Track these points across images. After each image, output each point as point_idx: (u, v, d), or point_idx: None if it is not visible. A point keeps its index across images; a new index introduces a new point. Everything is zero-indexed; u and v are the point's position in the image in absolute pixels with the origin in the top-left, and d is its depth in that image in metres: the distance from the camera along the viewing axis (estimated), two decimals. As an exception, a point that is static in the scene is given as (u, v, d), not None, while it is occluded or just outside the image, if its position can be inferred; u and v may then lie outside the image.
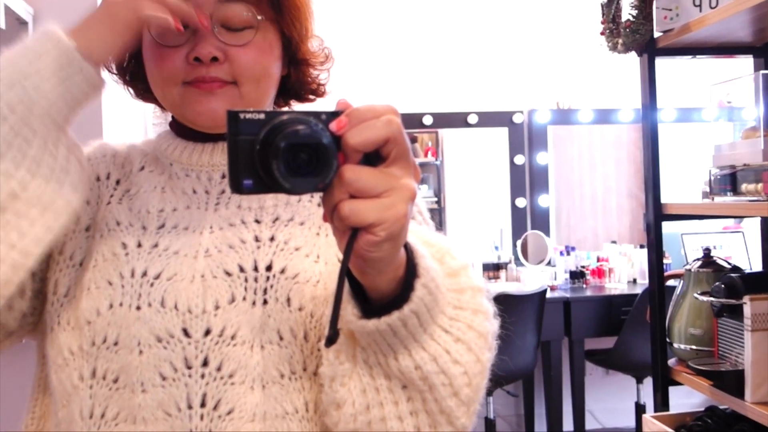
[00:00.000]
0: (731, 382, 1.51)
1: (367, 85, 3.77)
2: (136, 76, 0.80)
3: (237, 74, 0.71)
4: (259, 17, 0.72)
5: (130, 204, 0.75)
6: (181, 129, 0.78)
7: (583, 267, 3.72)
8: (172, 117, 0.80)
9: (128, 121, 0.76)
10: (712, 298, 1.57)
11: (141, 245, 0.72)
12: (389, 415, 0.60)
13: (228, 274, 0.69)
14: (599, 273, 3.70)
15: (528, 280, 3.59)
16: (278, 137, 0.50)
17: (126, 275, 0.69)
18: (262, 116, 0.52)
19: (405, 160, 0.54)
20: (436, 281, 0.59)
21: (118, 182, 0.77)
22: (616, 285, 3.65)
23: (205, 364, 0.67)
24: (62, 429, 0.71)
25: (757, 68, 1.83)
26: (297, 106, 0.85)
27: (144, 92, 0.81)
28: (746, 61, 1.90)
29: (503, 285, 3.63)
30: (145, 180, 0.76)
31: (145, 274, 0.69)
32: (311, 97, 0.83)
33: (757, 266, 2.99)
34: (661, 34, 1.74)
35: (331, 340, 0.55)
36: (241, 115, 0.52)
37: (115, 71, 0.80)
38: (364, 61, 3.81)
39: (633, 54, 1.80)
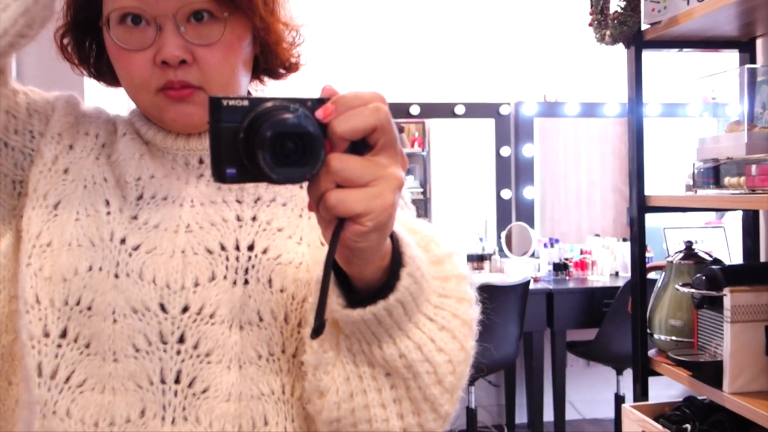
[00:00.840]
0: (710, 372, 1.53)
1: (354, 74, 3.76)
2: (103, 72, 0.78)
3: (205, 79, 0.69)
4: (225, 14, 0.69)
5: (111, 169, 0.73)
6: None
7: (566, 259, 3.75)
8: None
9: (112, 98, 0.75)
10: (693, 290, 1.58)
11: (122, 211, 0.70)
12: (372, 402, 0.60)
13: (209, 251, 0.68)
14: (582, 265, 3.73)
15: (512, 271, 3.61)
16: (264, 126, 0.49)
17: (105, 238, 0.68)
18: (245, 103, 0.50)
19: (392, 148, 0.53)
20: (422, 270, 0.59)
21: (103, 145, 0.75)
22: (599, 277, 3.68)
23: (181, 340, 0.66)
24: (14, 382, 0.70)
25: (742, 63, 1.84)
26: (267, 86, 0.83)
27: (115, 82, 0.79)
28: (731, 57, 1.91)
29: (487, 276, 3.64)
30: (124, 147, 0.74)
31: (123, 241, 0.68)
32: (282, 71, 0.81)
33: (738, 260, 3.03)
34: (648, 26, 1.75)
35: (317, 331, 0.54)
36: (224, 102, 0.50)
37: (82, 67, 0.78)
38: (352, 50, 3.79)
39: (620, 48, 1.80)
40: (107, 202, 0.70)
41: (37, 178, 0.71)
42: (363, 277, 0.57)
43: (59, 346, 0.66)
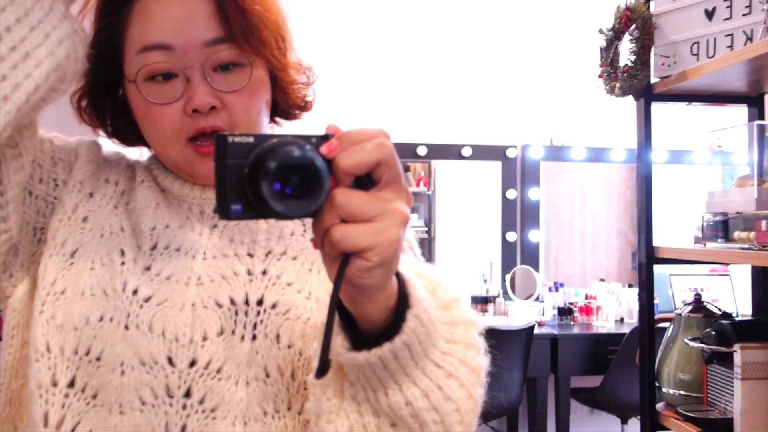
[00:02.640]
0: (720, 430, 1.50)
1: (363, 114, 3.80)
2: (120, 131, 0.79)
3: (234, 123, 0.71)
4: (251, 59, 0.71)
5: (129, 218, 0.74)
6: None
7: (571, 304, 3.73)
8: None
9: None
10: (702, 345, 1.57)
11: (136, 262, 0.70)
12: None
13: (219, 305, 0.68)
14: (587, 310, 3.70)
15: (516, 314, 3.59)
16: (269, 158, 0.49)
17: (119, 288, 0.68)
18: (251, 139, 0.50)
19: (397, 183, 0.53)
20: (429, 313, 0.58)
21: (123, 193, 0.76)
22: (604, 323, 3.65)
23: (187, 395, 0.65)
24: (20, 428, 0.69)
25: (750, 118, 1.85)
26: (283, 127, 0.85)
27: (132, 141, 0.80)
28: (737, 107, 1.93)
29: (491, 319, 3.62)
30: (142, 195, 0.75)
31: (135, 292, 0.68)
32: (297, 113, 0.83)
33: (744, 310, 3.00)
34: (658, 80, 1.77)
35: (322, 370, 0.53)
36: (230, 139, 0.50)
37: (100, 128, 0.80)
38: (361, 91, 3.84)
39: (629, 97, 1.82)
40: (122, 252, 0.70)
41: (57, 226, 0.71)
42: (368, 317, 0.56)
43: (66, 396, 0.66)
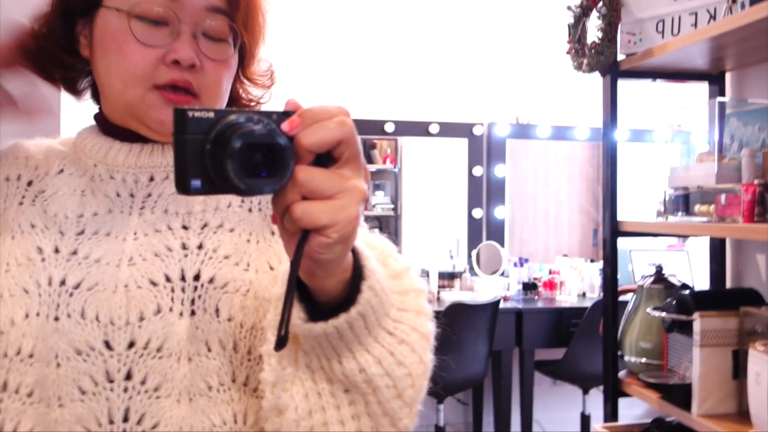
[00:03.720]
0: (679, 395, 1.57)
1: (329, 91, 3.78)
2: (63, 63, 0.75)
3: (204, 88, 0.71)
4: (238, 40, 0.72)
5: (45, 207, 0.71)
6: (110, 127, 0.75)
7: (535, 279, 3.80)
8: (99, 111, 0.77)
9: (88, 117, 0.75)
10: (663, 314, 1.63)
11: (58, 251, 0.68)
12: (331, 419, 0.60)
13: (153, 283, 0.67)
14: (551, 285, 3.79)
15: (482, 289, 3.65)
16: (233, 137, 0.48)
17: (43, 283, 0.66)
18: (211, 114, 0.50)
19: (356, 161, 0.53)
20: (381, 283, 0.59)
21: (29, 183, 0.73)
22: (567, 298, 3.74)
23: (128, 377, 0.64)
24: None
25: (711, 95, 1.91)
26: None
27: (65, 80, 0.76)
28: (697, 87, 1.99)
29: (457, 294, 3.67)
30: (63, 183, 0.73)
31: (63, 282, 0.66)
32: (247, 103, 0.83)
33: (700, 285, 3.11)
34: (624, 57, 1.80)
35: (281, 343, 0.53)
36: (189, 113, 0.49)
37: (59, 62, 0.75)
38: (328, 66, 3.81)
39: (592, 74, 1.86)
40: (39, 249, 0.68)
41: None
42: (325, 290, 0.57)
43: (1, 401, 0.64)
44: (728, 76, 1.89)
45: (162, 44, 0.69)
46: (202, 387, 0.65)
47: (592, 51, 1.78)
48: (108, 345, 0.65)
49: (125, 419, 0.64)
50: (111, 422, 0.64)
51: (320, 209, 0.51)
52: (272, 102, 0.82)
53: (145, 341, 0.65)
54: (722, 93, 1.88)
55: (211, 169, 0.49)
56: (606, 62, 1.77)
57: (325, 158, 0.52)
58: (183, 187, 0.50)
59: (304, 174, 0.51)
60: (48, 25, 0.75)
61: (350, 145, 0.53)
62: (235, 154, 0.48)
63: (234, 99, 0.81)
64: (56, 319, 0.65)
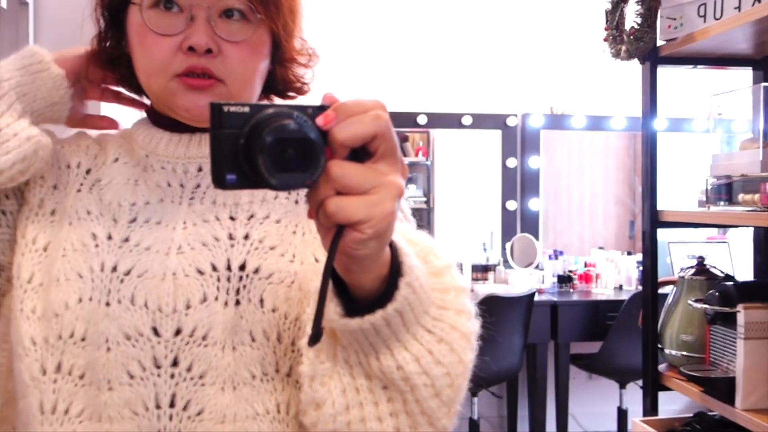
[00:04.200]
0: (722, 388, 1.53)
1: (362, 83, 3.77)
2: (117, 61, 0.78)
3: (227, 72, 0.70)
4: (258, 15, 0.71)
5: (101, 195, 0.74)
6: (158, 118, 0.77)
7: (570, 271, 3.75)
8: (150, 105, 0.79)
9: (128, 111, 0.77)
10: (706, 306, 1.59)
11: (111, 238, 0.71)
12: (369, 416, 0.60)
13: (200, 272, 0.68)
14: (586, 278, 3.73)
15: (516, 282, 3.62)
16: (265, 131, 0.49)
17: (96, 269, 0.68)
18: (246, 109, 0.50)
19: (392, 156, 0.53)
20: (421, 280, 0.59)
21: (88, 171, 0.75)
22: (603, 290, 3.69)
23: (174, 364, 0.66)
24: (21, 420, 0.70)
25: (756, 81, 1.85)
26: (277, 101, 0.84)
27: (127, 78, 0.79)
28: (738, 73, 1.93)
29: (491, 287, 3.65)
30: (117, 172, 0.75)
31: (114, 269, 0.68)
32: (291, 95, 0.82)
33: (742, 276, 3.03)
34: (664, 42, 1.76)
35: (315, 339, 0.54)
36: (225, 108, 0.50)
37: (97, 54, 0.78)
38: (361, 59, 3.81)
39: (628, 62, 1.81)
40: (94, 236, 0.71)
41: (25, 224, 0.72)
42: (361, 286, 0.57)
43: (55, 381, 0.67)
44: (773, 61, 1.83)
45: (177, 32, 0.69)
46: (246, 376, 0.66)
47: (631, 37, 1.74)
48: (156, 331, 0.66)
49: (171, 404, 0.65)
50: (158, 407, 0.65)
51: (354, 204, 0.51)
52: (303, 97, 0.82)
53: (191, 329, 0.66)
54: (767, 78, 1.83)
55: (244, 164, 0.50)
56: (645, 48, 1.73)
57: (361, 153, 0.52)
58: (219, 180, 0.50)
59: (338, 169, 0.51)
60: (102, 37, 0.78)
61: (385, 139, 0.52)
62: (267, 149, 0.49)
63: (280, 82, 0.80)
64: (107, 304, 0.67)
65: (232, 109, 0.50)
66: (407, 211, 0.78)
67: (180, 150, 0.75)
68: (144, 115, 0.80)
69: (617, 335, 3.19)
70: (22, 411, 0.69)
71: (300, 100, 0.84)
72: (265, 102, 0.55)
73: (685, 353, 1.72)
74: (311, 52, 0.80)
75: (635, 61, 1.81)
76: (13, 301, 0.70)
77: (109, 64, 0.78)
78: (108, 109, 0.93)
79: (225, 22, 0.70)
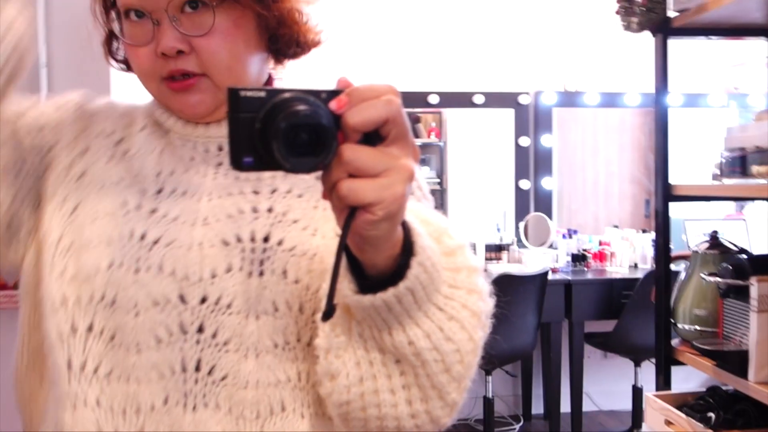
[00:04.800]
0: (735, 361, 1.52)
1: (374, 62, 3.76)
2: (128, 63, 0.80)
3: (205, 66, 0.71)
4: (213, 2, 0.70)
5: (130, 164, 0.75)
6: None
7: (584, 250, 3.73)
8: None
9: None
10: (718, 279, 1.57)
11: (140, 207, 0.72)
12: (382, 387, 0.61)
13: (225, 243, 0.70)
14: (601, 257, 3.72)
15: (530, 261, 3.61)
16: (279, 117, 0.51)
17: (125, 236, 0.70)
18: (262, 94, 0.52)
19: (404, 140, 0.54)
20: (432, 260, 0.60)
21: (119, 141, 0.77)
22: (617, 269, 3.67)
23: (200, 330, 0.68)
24: (48, 378, 0.72)
25: (770, 51, 1.82)
26: (285, 68, 0.83)
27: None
28: (755, 45, 1.89)
29: (505, 266, 3.64)
30: (144, 141, 0.76)
31: (143, 237, 0.70)
32: (299, 50, 0.79)
33: (762, 252, 2.99)
34: (676, 14, 1.73)
35: (328, 314, 0.56)
36: (242, 93, 0.52)
37: (110, 57, 0.81)
38: (372, 38, 3.79)
39: (640, 37, 1.79)
40: (124, 203, 0.72)
41: (55, 185, 0.74)
42: (375, 264, 0.58)
43: (86, 340, 0.69)
44: (789, 31, 1.79)
45: (149, 39, 0.71)
46: (269, 344, 0.68)
47: (642, 8, 1.71)
48: (182, 299, 0.68)
49: (197, 369, 0.68)
50: (184, 370, 0.68)
51: (366, 187, 0.52)
52: (315, 78, 0.79)
53: (216, 297, 0.68)
54: (782, 48, 1.79)
55: (260, 147, 0.52)
56: (657, 19, 1.71)
57: (374, 137, 0.53)
58: (237, 162, 0.53)
59: (351, 152, 0.52)
60: (108, 44, 0.80)
61: (397, 123, 0.53)
62: (281, 134, 0.51)
63: (288, 43, 0.77)
64: (137, 271, 0.69)
65: (249, 94, 0.52)
66: (425, 188, 0.79)
67: (199, 130, 0.76)
68: None
69: (632, 313, 3.18)
70: (51, 368, 0.71)
71: (317, 64, 0.81)
72: (281, 88, 0.56)
73: (698, 327, 1.71)
74: (301, 11, 0.76)
75: (648, 35, 1.79)
76: (43, 258, 0.72)
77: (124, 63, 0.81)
78: (120, 87, 0.94)
79: (189, 16, 0.70)
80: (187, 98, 0.72)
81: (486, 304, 0.65)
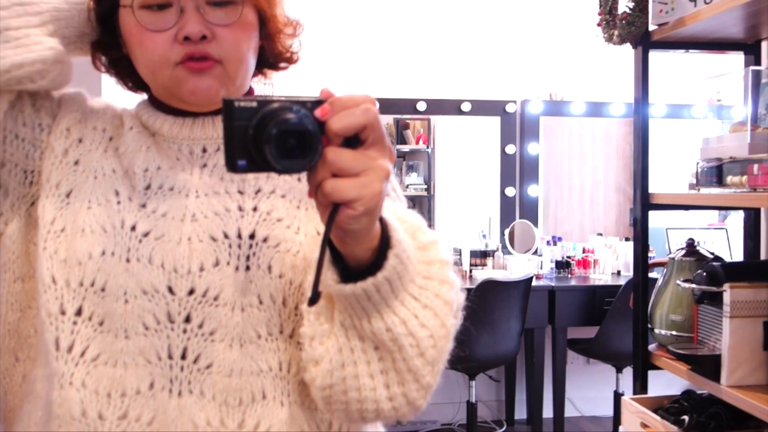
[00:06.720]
0: (708, 366, 1.56)
1: (362, 71, 3.79)
2: (118, 62, 0.82)
3: (224, 53, 0.75)
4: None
5: (120, 161, 0.78)
6: (158, 103, 0.81)
7: (569, 257, 3.78)
8: (150, 94, 0.83)
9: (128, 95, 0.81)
10: (693, 285, 1.62)
11: (131, 200, 0.75)
12: (362, 372, 0.66)
13: (213, 239, 0.74)
14: (584, 264, 3.76)
15: (514, 268, 3.65)
16: (270, 124, 0.57)
17: (117, 225, 0.73)
18: (254, 104, 0.58)
19: (381, 143, 0.60)
20: (407, 252, 0.65)
21: (111, 139, 0.80)
22: (601, 276, 3.71)
23: (187, 320, 0.72)
24: (20, 358, 0.75)
25: (747, 64, 1.87)
26: (271, 79, 0.89)
27: (126, 77, 0.83)
28: (737, 59, 1.94)
29: (490, 272, 3.68)
30: (132, 140, 0.79)
31: (134, 228, 0.74)
32: (283, 65, 0.86)
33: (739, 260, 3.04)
34: (656, 27, 1.78)
35: (313, 300, 0.61)
36: (236, 103, 0.58)
37: (99, 60, 0.82)
38: (361, 46, 3.82)
39: (627, 48, 1.83)
40: (117, 193, 0.76)
41: (50, 170, 0.76)
42: (355, 256, 0.63)
43: (75, 323, 0.72)
44: (764, 45, 1.85)
45: (170, 26, 0.74)
46: (252, 335, 0.72)
47: (623, 22, 1.76)
48: (171, 290, 0.72)
49: (183, 356, 0.72)
50: (170, 357, 0.72)
51: (347, 185, 0.58)
52: (306, 83, 0.84)
53: (203, 290, 0.72)
54: (758, 63, 1.84)
55: (253, 152, 0.58)
56: (637, 33, 1.75)
57: (354, 141, 0.60)
58: (231, 165, 0.59)
59: (333, 154, 0.58)
60: (100, 41, 0.81)
61: (374, 129, 0.60)
62: (272, 139, 0.57)
63: (271, 55, 0.84)
64: (127, 260, 0.72)
65: (242, 104, 0.58)
66: (399, 191, 0.85)
67: (184, 131, 0.79)
68: (145, 96, 0.84)
69: (614, 320, 3.22)
70: (39, 344, 0.74)
71: (309, 71, 0.86)
72: (271, 97, 0.61)
73: (674, 333, 1.75)
74: (296, 22, 0.85)
75: (630, 46, 1.83)
76: (38, 238, 0.74)
77: (111, 65, 0.82)
78: (109, 91, 0.96)
79: (213, 9, 0.74)
80: (201, 80, 0.75)
81: (457, 294, 0.70)
